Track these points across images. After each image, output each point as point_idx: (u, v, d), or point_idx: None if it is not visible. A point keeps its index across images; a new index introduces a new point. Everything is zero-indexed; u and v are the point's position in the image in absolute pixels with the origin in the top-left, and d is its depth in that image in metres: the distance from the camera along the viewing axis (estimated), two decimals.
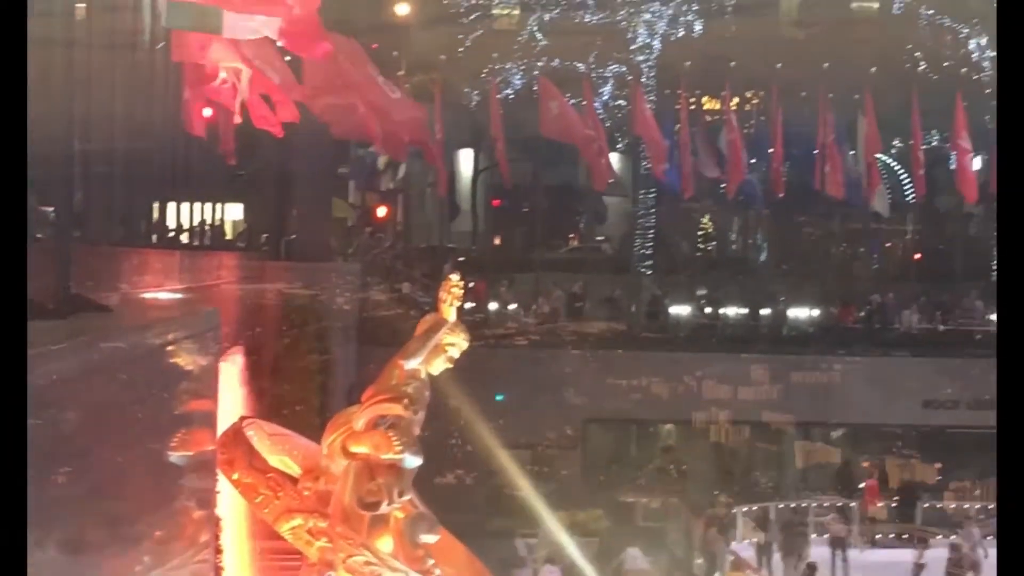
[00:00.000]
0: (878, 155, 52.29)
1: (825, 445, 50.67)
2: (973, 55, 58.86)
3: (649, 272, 59.00)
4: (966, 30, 59.03)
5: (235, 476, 17.35)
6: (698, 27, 59.92)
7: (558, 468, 46.31)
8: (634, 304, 53.96)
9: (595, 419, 48.15)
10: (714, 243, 67.33)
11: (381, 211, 64.44)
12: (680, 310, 53.51)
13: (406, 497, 17.15)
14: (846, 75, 54.42)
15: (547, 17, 60.05)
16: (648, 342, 49.55)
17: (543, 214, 61.64)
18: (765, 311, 53.01)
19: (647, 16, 59.70)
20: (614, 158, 57.20)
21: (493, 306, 51.65)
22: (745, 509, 43.87)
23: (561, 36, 59.41)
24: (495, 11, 60.75)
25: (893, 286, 55.05)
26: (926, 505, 46.42)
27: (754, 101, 62.62)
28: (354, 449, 16.99)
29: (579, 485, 46.20)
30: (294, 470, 17.66)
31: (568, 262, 59.97)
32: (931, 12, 59.63)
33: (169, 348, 15.78)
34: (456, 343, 17.76)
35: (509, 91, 58.15)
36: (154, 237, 35.45)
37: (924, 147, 51.80)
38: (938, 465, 49.27)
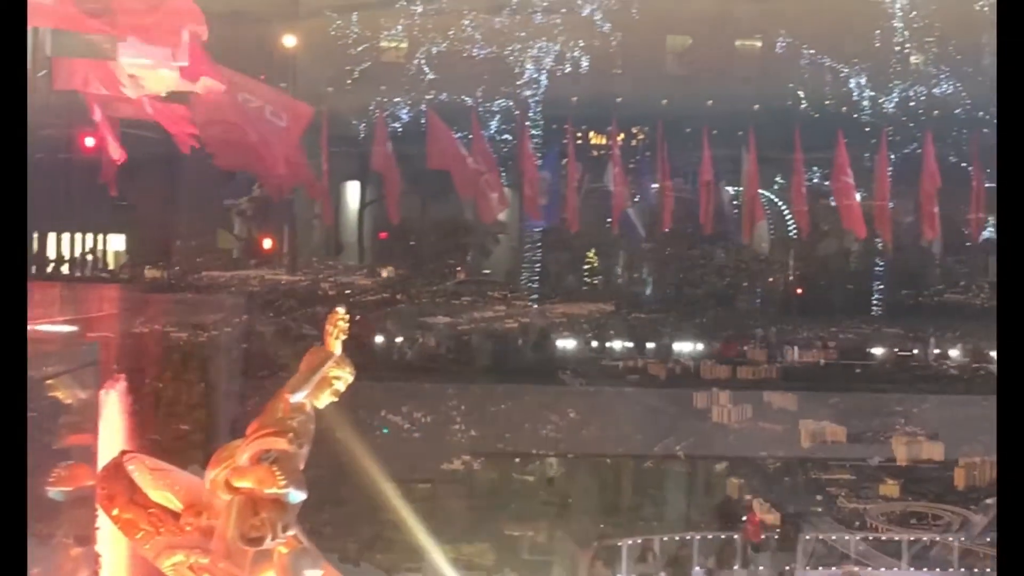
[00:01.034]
0: (761, 191, 53.08)
1: (711, 478, 51.11)
2: (853, 94, 60.06)
3: (536, 305, 59.18)
4: (846, 69, 60.26)
5: (115, 512, 17.03)
6: (585, 63, 60.43)
7: (443, 501, 46.12)
8: (521, 337, 54.05)
9: (481, 452, 48.10)
10: (600, 277, 67.72)
11: (267, 243, 63.92)
12: (567, 343, 53.73)
13: (290, 532, 16.95)
14: (730, 112, 55.20)
15: (435, 50, 60.18)
16: (534, 375, 49.68)
17: (430, 247, 61.60)
18: (651, 344, 53.46)
19: (534, 51, 60.11)
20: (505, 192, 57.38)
21: (379, 339, 51.49)
22: (630, 542, 44.03)
23: (449, 70, 59.57)
24: (383, 43, 60.74)
25: (775, 321, 55.85)
26: (808, 537, 46.94)
27: (640, 136, 63.25)
28: (237, 484, 16.76)
29: (465, 518, 46.04)
30: (176, 505, 17.38)
31: (455, 295, 59.92)
32: (812, 51, 60.77)
33: (48, 382, 15.55)
34: (342, 376, 17.62)
35: (397, 124, 58.12)
36: (34, 268, 34.86)
37: (806, 184, 52.67)
38: (819, 497, 49.89)
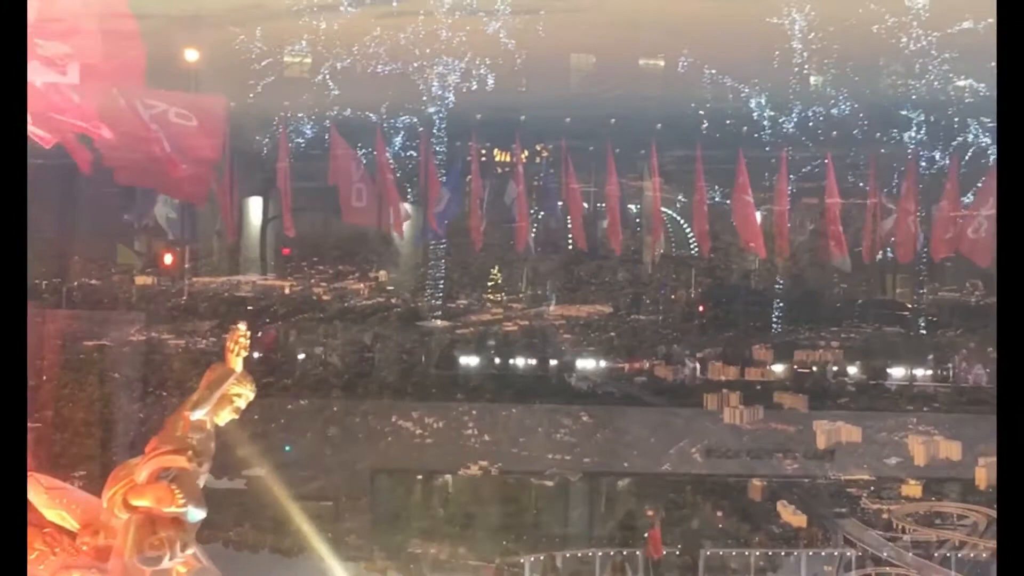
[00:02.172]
0: (663, 209, 53.49)
1: (613, 494, 51.46)
2: (754, 114, 60.75)
3: (439, 323, 59.14)
4: (747, 89, 60.95)
5: None
6: (490, 81, 60.58)
7: (346, 518, 45.97)
8: (424, 355, 54.00)
9: (383, 469, 48.04)
10: (503, 294, 67.82)
11: (168, 258, 63.30)
12: (470, 360, 53.78)
13: (189, 551, 16.79)
14: (633, 130, 55.59)
15: (339, 66, 60.01)
16: (439, 392, 49.73)
17: (334, 264, 61.32)
18: (553, 361, 53.71)
19: (439, 68, 60.15)
20: (406, 208, 57.26)
21: (290, 361, 51.31)
22: (532, 558, 44.16)
23: (353, 85, 59.40)
24: (287, 58, 60.44)
25: (678, 338, 56.30)
26: (708, 553, 47.37)
27: (544, 154, 63.48)
28: (135, 502, 16.56)
29: (367, 535, 45.92)
30: (72, 525, 17.12)
31: (358, 312, 59.71)
32: (714, 71, 61.41)
33: None
34: (243, 393, 17.50)
35: (301, 140, 57.85)
36: None
37: (708, 202, 53.16)
38: (720, 513, 50.39)
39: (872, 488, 49.92)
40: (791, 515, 48.81)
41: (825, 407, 53.08)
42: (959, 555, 45.52)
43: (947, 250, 47.48)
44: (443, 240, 60.15)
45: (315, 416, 47.66)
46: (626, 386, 52.89)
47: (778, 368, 56.01)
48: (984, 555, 45.55)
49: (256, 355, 43.06)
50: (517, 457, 49.47)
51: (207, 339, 47.84)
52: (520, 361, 54.80)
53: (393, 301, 64.77)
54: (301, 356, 52.26)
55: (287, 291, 65.16)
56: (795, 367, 56.31)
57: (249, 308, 54.53)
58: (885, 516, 48.60)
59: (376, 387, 49.25)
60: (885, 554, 46.24)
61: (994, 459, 46.75)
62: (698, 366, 53.68)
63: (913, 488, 49.82)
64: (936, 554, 46.45)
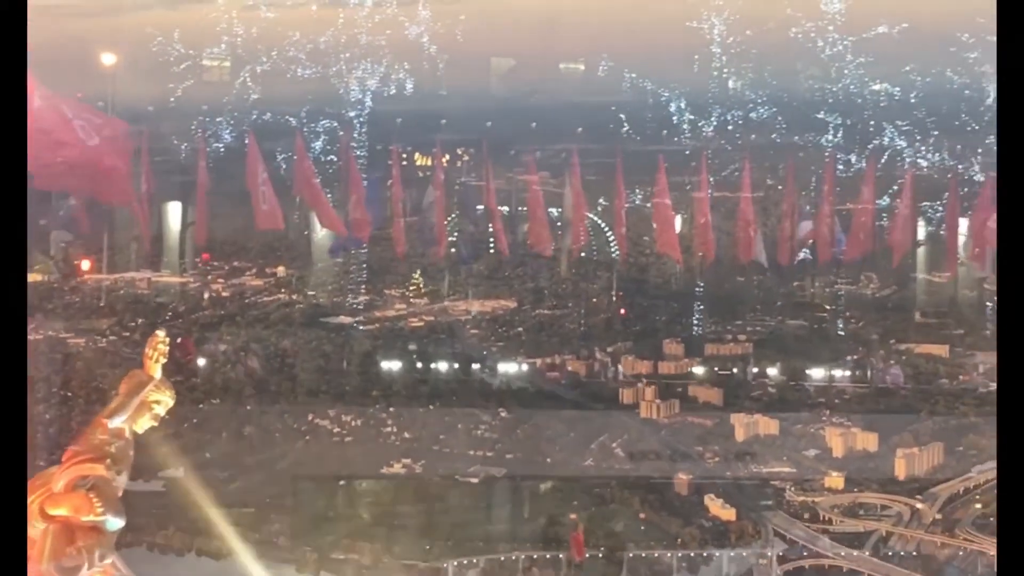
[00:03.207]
0: (586, 213, 53.62)
1: (538, 492, 51.55)
2: (673, 117, 61.11)
3: (344, 319, 58.86)
4: (666, 93, 61.30)
5: None
6: (410, 85, 60.52)
7: (269, 525, 45.70)
8: (345, 359, 53.82)
9: (305, 475, 47.80)
10: (425, 299, 67.66)
11: (85, 264, 62.55)
12: (392, 365, 53.69)
13: (107, 560, 16.59)
14: (554, 134, 55.80)
15: (259, 70, 59.68)
16: (361, 397, 49.60)
17: (256, 268, 60.92)
18: (466, 358, 53.83)
19: (359, 72, 59.98)
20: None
21: (201, 362, 50.84)
22: (456, 563, 44.15)
23: (273, 89, 59.08)
24: (206, 62, 59.99)
25: (600, 341, 56.51)
26: (631, 555, 47.58)
27: (465, 158, 63.49)
28: (53, 511, 16.34)
29: (290, 542, 45.67)
30: None
31: (280, 317, 59.34)
32: (634, 75, 61.72)
33: None
34: (162, 400, 17.29)
35: (220, 145, 57.44)
36: None
37: (628, 206, 53.39)
38: (643, 515, 50.59)
39: (795, 481, 50.39)
40: (720, 509, 49.14)
41: (738, 400, 53.48)
42: (888, 545, 46.13)
43: (862, 250, 47.93)
44: (363, 244, 59.90)
45: (228, 416, 47.37)
46: (540, 382, 53.14)
47: (692, 362, 56.32)
48: (911, 545, 46.26)
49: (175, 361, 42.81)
50: (439, 455, 49.45)
51: (125, 347, 47.38)
52: (431, 358, 54.79)
53: (295, 297, 64.15)
54: (205, 358, 51.85)
55: (207, 297, 64.70)
56: (710, 362, 56.68)
57: (168, 315, 54.00)
58: (810, 507, 49.07)
59: (289, 385, 49.03)
60: (816, 545, 46.77)
61: (913, 450, 47.73)
62: (610, 361, 54.09)
63: (835, 480, 50.37)
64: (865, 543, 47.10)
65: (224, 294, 58.10)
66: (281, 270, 60.71)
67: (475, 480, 49.53)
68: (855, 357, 56.47)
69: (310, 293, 62.72)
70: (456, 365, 54.04)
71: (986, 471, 50.04)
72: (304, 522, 47.95)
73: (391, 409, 49.63)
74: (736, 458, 51.16)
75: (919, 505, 48.35)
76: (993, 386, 52.35)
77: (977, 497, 49.62)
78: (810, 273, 59.11)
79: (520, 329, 56.84)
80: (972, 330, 56.13)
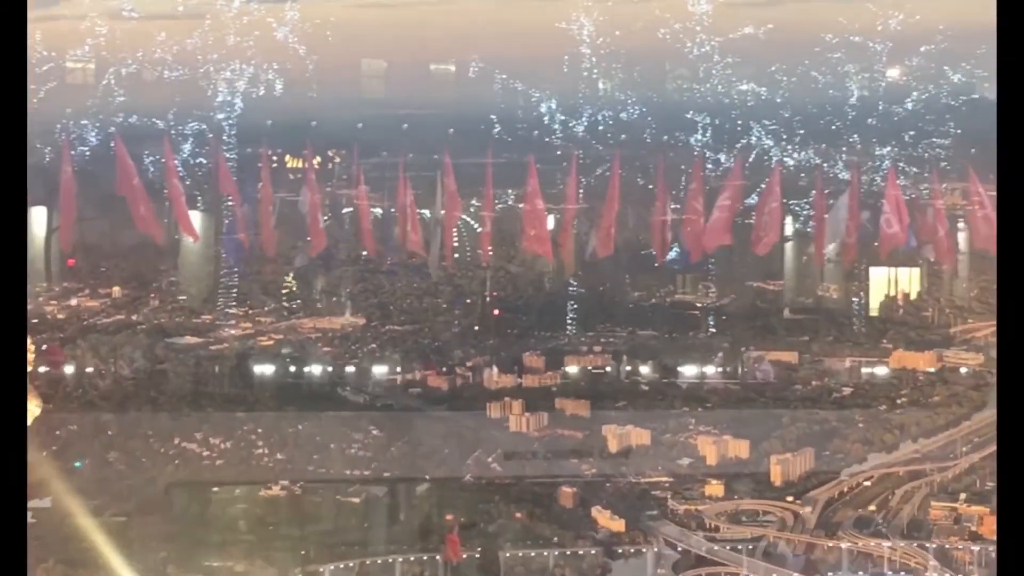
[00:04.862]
0: (457, 214, 53.54)
1: (424, 509, 51.36)
2: (545, 117, 61.23)
3: (234, 331, 58.18)
4: (537, 94, 61.44)
5: None
6: (279, 86, 59.90)
7: (141, 534, 44.97)
8: (218, 364, 53.16)
9: (177, 483, 47.14)
10: (299, 301, 67.02)
11: None
12: (265, 369, 53.14)
13: None
14: (426, 135, 55.63)
15: (124, 72, 58.63)
16: (226, 419, 49.13)
17: (123, 273, 59.86)
18: (349, 368, 53.37)
19: (227, 74, 59.24)
20: (196, 216, 56.29)
21: (69, 369, 49.88)
22: (332, 567, 43.85)
23: (139, 92, 58.10)
24: (69, 63, 58.81)
25: (474, 342, 56.46)
26: (508, 555, 47.65)
27: (336, 160, 63.01)
28: None
29: (163, 550, 45.01)
30: None
31: (151, 322, 58.39)
32: (504, 76, 61.75)
33: None
34: (28, 409, 16.99)
35: (85, 148, 56.36)
36: None
37: (500, 206, 53.49)
38: (519, 515, 50.67)
39: (674, 489, 50.74)
40: (608, 520, 49.25)
41: (605, 410, 53.59)
42: (776, 549, 46.74)
43: (720, 242, 48.17)
44: (237, 247, 59.18)
45: (90, 440, 46.50)
46: (403, 397, 52.83)
47: (555, 376, 56.25)
48: (798, 549, 46.92)
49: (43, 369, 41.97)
50: (315, 475, 49.05)
51: None
52: (289, 376, 54.19)
53: (135, 318, 62.68)
54: (89, 369, 50.87)
55: (74, 302, 63.40)
56: (574, 373, 56.79)
57: (35, 321, 52.76)
58: (695, 516, 49.47)
59: (148, 406, 48.30)
60: (704, 550, 47.20)
61: (786, 455, 48.61)
62: (471, 375, 53.99)
63: (715, 487, 50.80)
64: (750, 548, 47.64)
65: (60, 316, 56.61)
66: (116, 291, 59.31)
67: (356, 500, 49.20)
68: (720, 356, 56.89)
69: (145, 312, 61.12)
70: (316, 382, 53.55)
71: (856, 474, 50.98)
72: (190, 546, 47.12)
73: (260, 430, 49.06)
74: (611, 468, 51.35)
75: (800, 510, 49.08)
76: (847, 390, 53.53)
77: (853, 499, 50.49)
78: (680, 271, 59.62)
79: (373, 345, 56.31)
80: (816, 336, 57.16)
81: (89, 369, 51.20)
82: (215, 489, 48.42)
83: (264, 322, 57.76)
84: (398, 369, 54.46)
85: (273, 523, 47.81)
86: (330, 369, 53.91)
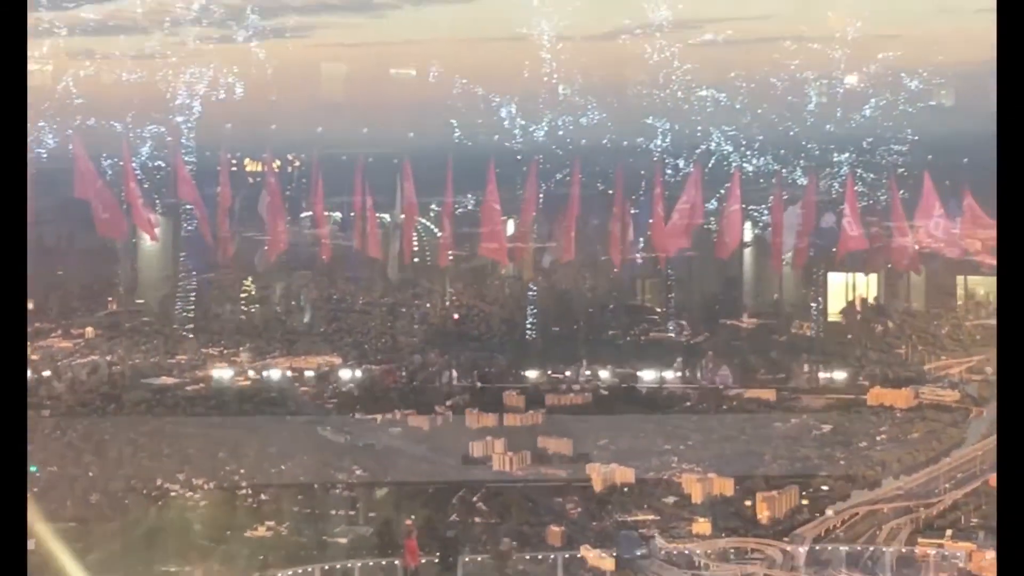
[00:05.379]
0: (419, 219, 53.57)
1: (370, 504, 51.34)
2: (505, 122, 61.23)
3: (191, 336, 57.97)
4: (498, 98, 61.44)
5: None
6: (239, 90, 59.67)
7: (96, 540, 44.78)
8: (176, 369, 53.01)
9: (134, 489, 46.98)
10: (257, 306, 66.81)
11: None
12: (223, 374, 52.99)
13: None
14: (386, 140, 55.57)
15: (82, 74, 58.31)
16: (193, 407, 48.96)
17: (79, 277, 59.56)
18: (309, 373, 53.29)
19: (186, 77, 58.97)
20: (156, 220, 55.92)
21: (29, 374, 49.51)
22: (290, 572, 43.78)
23: (97, 94, 57.80)
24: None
25: (433, 346, 56.46)
26: (467, 559, 47.68)
27: (296, 164, 62.78)
28: None
29: (119, 556, 44.84)
30: None
31: (108, 326, 58.14)
32: (465, 80, 61.72)
33: None
34: None
35: (42, 150, 55.94)
36: None
37: (460, 210, 53.48)
38: (478, 519, 50.73)
39: (661, 528, 50.67)
40: (598, 559, 49.07)
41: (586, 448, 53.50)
42: None
43: (679, 245, 48.28)
44: (194, 252, 59.00)
45: (70, 483, 46.33)
46: (385, 439, 52.73)
47: (536, 416, 56.03)
48: None
49: None
50: (301, 517, 48.95)
51: None
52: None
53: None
54: (47, 373, 50.61)
55: (31, 307, 62.98)
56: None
57: None
58: (684, 555, 49.50)
59: (130, 449, 48.14)
60: None
61: (772, 493, 49.08)
62: (451, 414, 53.98)
63: (703, 525, 50.78)
64: None
65: (33, 356, 55.97)
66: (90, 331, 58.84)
67: (343, 540, 48.99)
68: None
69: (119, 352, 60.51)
70: (295, 424, 53.42)
71: (841, 511, 51.08)
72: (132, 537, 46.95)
73: (242, 471, 48.91)
74: (596, 508, 51.26)
75: (788, 547, 49.17)
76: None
77: (841, 536, 50.60)
78: (640, 276, 59.84)
79: (352, 386, 56.08)
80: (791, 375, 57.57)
81: None
82: None
83: (238, 361, 57.34)
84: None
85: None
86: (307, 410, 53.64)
